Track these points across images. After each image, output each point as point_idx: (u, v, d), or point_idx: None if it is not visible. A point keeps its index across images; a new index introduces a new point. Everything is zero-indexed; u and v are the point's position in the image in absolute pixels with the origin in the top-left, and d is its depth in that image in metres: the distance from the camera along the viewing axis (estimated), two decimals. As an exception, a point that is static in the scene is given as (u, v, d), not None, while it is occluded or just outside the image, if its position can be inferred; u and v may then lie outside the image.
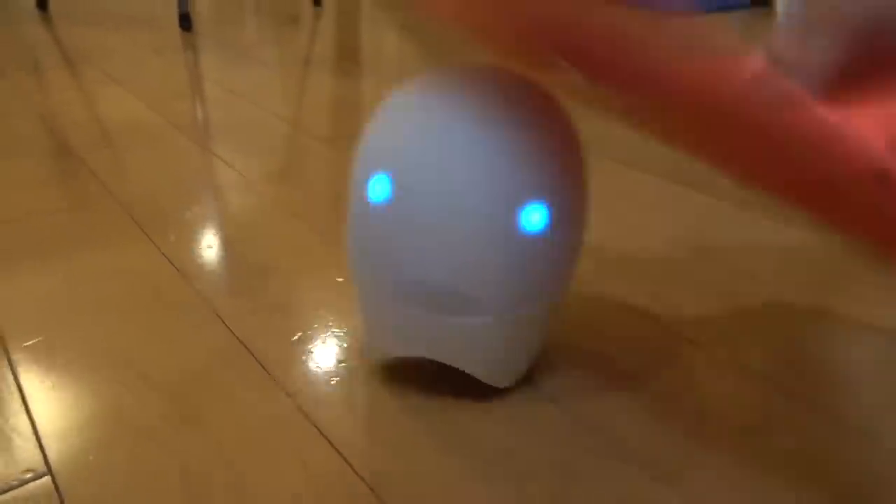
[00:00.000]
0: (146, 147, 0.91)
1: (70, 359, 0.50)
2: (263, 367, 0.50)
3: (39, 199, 0.75)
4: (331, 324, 0.55)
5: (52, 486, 0.39)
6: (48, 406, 0.45)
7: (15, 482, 0.39)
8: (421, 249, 0.42)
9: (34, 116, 1.01)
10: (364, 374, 0.49)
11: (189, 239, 0.68)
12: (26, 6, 1.86)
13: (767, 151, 0.30)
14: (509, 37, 0.39)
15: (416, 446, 0.43)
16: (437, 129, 0.41)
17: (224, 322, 0.55)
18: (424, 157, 0.41)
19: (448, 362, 0.46)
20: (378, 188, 0.42)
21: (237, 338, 0.53)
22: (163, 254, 0.64)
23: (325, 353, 0.51)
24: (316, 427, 0.44)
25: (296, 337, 0.53)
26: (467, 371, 0.46)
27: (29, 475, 0.40)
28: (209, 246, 0.66)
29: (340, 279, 0.61)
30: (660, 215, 0.75)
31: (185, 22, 1.61)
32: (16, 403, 0.45)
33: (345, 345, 0.52)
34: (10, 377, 0.48)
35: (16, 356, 0.50)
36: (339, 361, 0.51)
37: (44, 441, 0.42)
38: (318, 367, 0.50)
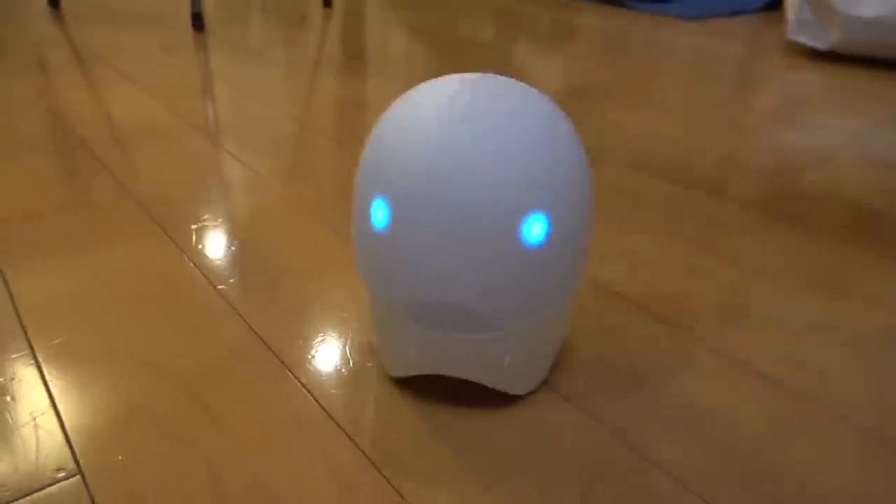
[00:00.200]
0: (160, 145, 0.92)
1: (93, 357, 0.51)
2: (284, 365, 0.50)
3: (54, 197, 0.75)
4: (349, 322, 0.55)
5: (83, 485, 0.40)
6: (75, 405, 0.46)
7: (48, 481, 0.40)
8: (425, 271, 0.42)
9: (47, 114, 1.02)
10: (384, 373, 0.50)
11: (206, 237, 0.68)
12: (38, 4, 1.86)
13: None
14: None
15: (438, 446, 0.44)
16: (434, 148, 0.40)
17: (244, 320, 0.55)
18: (422, 179, 0.40)
19: (465, 377, 0.46)
20: (379, 214, 0.42)
21: (258, 335, 0.53)
22: (182, 251, 0.65)
23: (344, 352, 0.52)
24: (339, 426, 0.45)
25: (314, 336, 0.54)
26: (485, 384, 0.46)
27: (60, 474, 0.40)
28: (226, 244, 0.67)
29: (356, 277, 0.62)
30: (665, 217, 0.76)
31: (198, 21, 1.61)
32: (43, 402, 0.46)
33: (363, 343, 0.53)
34: (38, 376, 0.48)
35: (41, 355, 0.51)
36: (358, 361, 0.51)
37: (72, 440, 0.43)
38: (337, 365, 0.50)
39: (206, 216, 0.73)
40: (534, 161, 0.41)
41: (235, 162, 0.88)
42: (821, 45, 1.52)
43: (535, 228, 0.41)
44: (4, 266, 0.62)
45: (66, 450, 0.42)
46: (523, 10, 2.06)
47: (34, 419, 0.45)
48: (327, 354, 0.52)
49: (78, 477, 0.40)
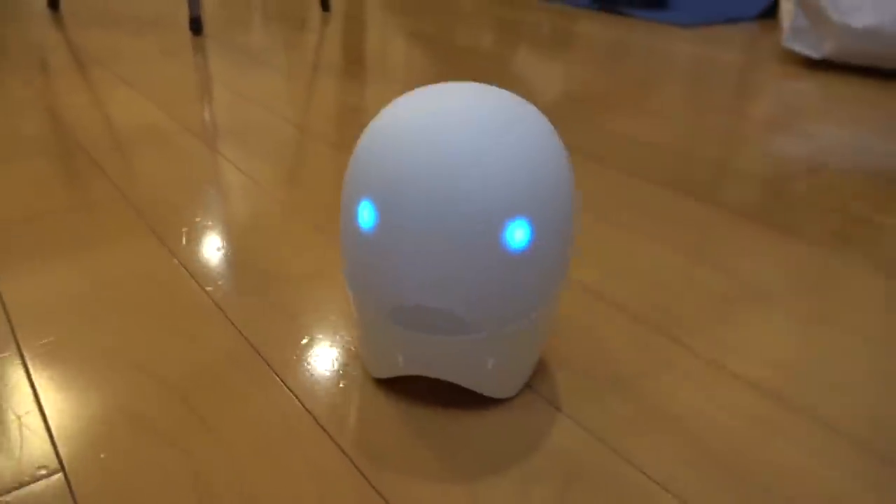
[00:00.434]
0: (157, 149, 0.92)
1: (82, 358, 0.51)
2: (273, 370, 0.51)
3: (52, 199, 0.76)
4: (338, 327, 0.56)
5: (65, 483, 0.40)
6: (60, 404, 0.46)
7: (28, 478, 0.40)
8: (408, 273, 0.42)
9: (45, 117, 1.02)
10: (368, 376, 0.50)
11: (199, 241, 0.69)
12: (38, 6, 1.87)
13: None
14: None
15: (421, 448, 0.44)
16: (420, 153, 0.41)
17: (234, 324, 0.56)
18: (408, 183, 0.41)
19: (448, 379, 0.46)
20: (365, 215, 0.43)
21: (247, 340, 0.54)
22: (174, 256, 0.65)
23: (332, 357, 0.52)
24: (325, 430, 0.45)
25: (304, 340, 0.54)
26: (468, 387, 0.47)
27: (42, 472, 0.41)
28: (219, 249, 0.67)
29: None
30: (660, 223, 0.76)
31: (196, 25, 1.62)
32: (29, 401, 0.46)
33: (352, 349, 0.53)
34: (24, 375, 0.49)
35: (29, 355, 0.51)
36: (347, 365, 0.51)
37: (56, 439, 0.43)
38: (325, 370, 0.51)
39: (200, 220, 0.73)
40: (517, 167, 0.41)
41: (232, 167, 0.88)
42: (815, 53, 1.52)
43: (518, 233, 0.41)
44: (-4, 266, 0.62)
45: (50, 448, 0.43)
46: (522, 18, 2.07)
47: (19, 418, 0.45)
48: (315, 359, 0.52)
49: (61, 475, 0.41)
